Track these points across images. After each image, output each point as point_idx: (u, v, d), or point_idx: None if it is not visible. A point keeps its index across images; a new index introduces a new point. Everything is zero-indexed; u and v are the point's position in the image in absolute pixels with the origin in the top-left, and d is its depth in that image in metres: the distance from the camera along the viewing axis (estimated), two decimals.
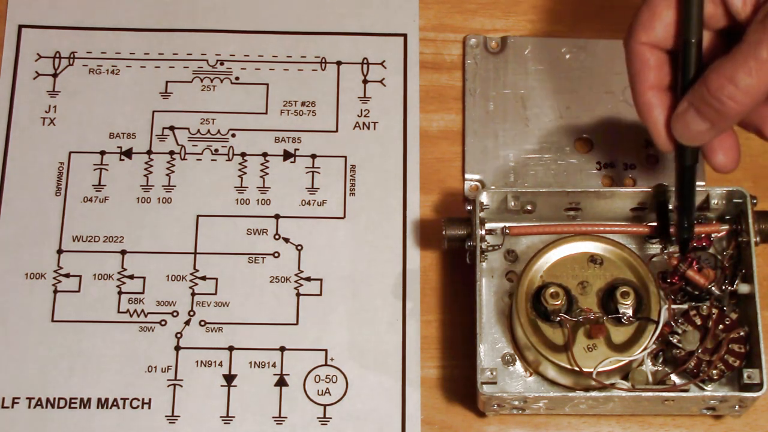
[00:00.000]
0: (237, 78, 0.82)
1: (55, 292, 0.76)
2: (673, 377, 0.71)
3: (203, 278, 0.77)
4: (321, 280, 0.77)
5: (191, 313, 0.76)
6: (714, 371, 0.70)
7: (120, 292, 0.76)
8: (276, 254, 0.78)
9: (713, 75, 0.63)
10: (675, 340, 0.71)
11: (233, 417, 0.74)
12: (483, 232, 0.73)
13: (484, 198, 0.73)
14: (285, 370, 0.75)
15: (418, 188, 0.79)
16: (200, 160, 0.80)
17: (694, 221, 0.70)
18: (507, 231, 0.74)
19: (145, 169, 0.79)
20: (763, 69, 0.61)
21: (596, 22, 0.83)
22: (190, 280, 0.77)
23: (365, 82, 0.82)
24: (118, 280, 0.77)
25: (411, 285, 0.77)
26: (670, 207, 0.73)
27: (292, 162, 0.80)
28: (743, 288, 0.71)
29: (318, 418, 0.74)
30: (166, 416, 0.74)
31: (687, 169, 0.68)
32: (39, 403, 0.74)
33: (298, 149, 0.80)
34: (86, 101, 0.81)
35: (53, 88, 0.81)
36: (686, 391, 0.71)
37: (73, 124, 0.80)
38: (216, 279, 0.77)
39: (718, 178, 0.79)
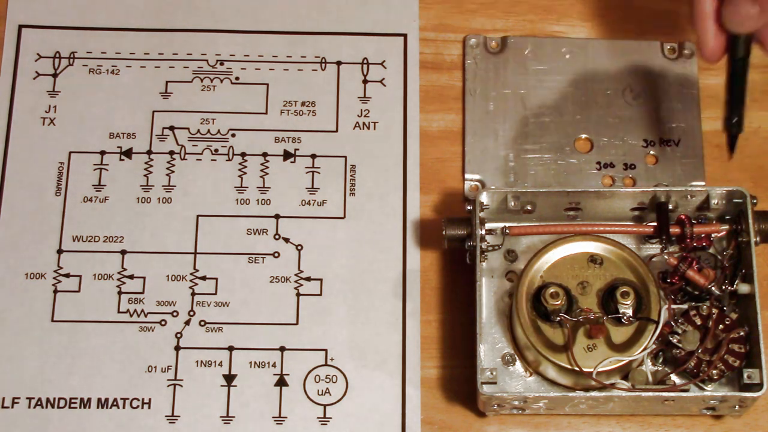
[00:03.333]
0: (237, 78, 0.82)
1: (55, 292, 0.76)
2: (673, 377, 0.71)
3: (203, 278, 0.77)
4: (321, 280, 0.77)
5: (191, 313, 0.76)
6: (714, 371, 0.70)
7: (120, 292, 0.76)
8: (276, 254, 0.78)
9: None
10: (675, 340, 0.71)
11: (233, 417, 0.74)
12: (483, 232, 0.73)
13: (484, 198, 0.73)
14: (285, 370, 0.75)
15: (418, 188, 0.79)
16: (200, 160, 0.80)
17: (742, 116, 0.70)
18: (507, 231, 0.74)
19: (145, 169, 0.79)
20: None
21: (596, 22, 0.83)
22: (190, 280, 0.77)
23: (365, 82, 0.82)
24: (118, 280, 0.77)
25: (411, 285, 0.77)
26: (670, 207, 0.73)
27: (292, 162, 0.80)
28: (743, 288, 0.71)
29: (318, 418, 0.74)
30: (166, 416, 0.74)
31: (738, 62, 0.68)
32: (39, 403, 0.74)
33: (298, 149, 0.80)
34: (86, 101, 0.81)
35: (53, 88, 0.81)
36: (686, 391, 0.71)
37: (73, 124, 0.80)
38: (216, 279, 0.77)
39: (718, 178, 0.79)
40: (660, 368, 0.72)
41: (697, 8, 0.67)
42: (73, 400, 0.74)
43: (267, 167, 0.80)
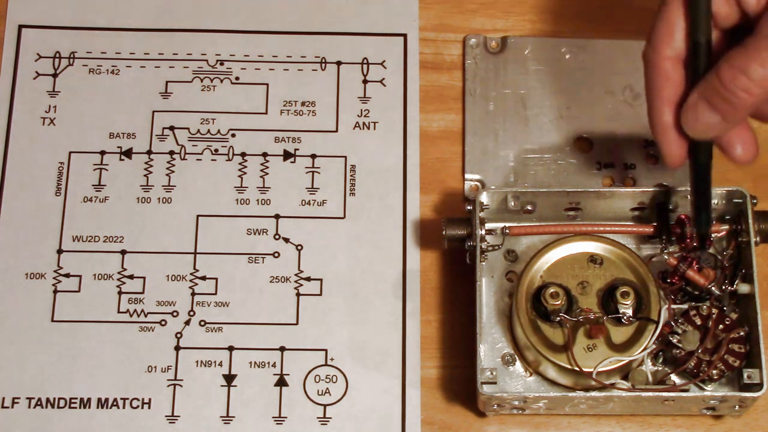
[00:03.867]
0: (237, 78, 0.82)
1: (55, 292, 0.76)
2: (673, 377, 0.71)
3: (203, 278, 0.77)
4: (321, 280, 0.77)
5: (191, 313, 0.76)
6: (714, 371, 0.70)
7: (120, 292, 0.76)
8: (276, 254, 0.78)
9: (725, 66, 0.62)
10: (675, 340, 0.71)
11: (233, 417, 0.74)
12: (483, 232, 0.73)
13: (484, 198, 0.73)
14: (285, 370, 0.75)
15: (418, 188, 0.79)
16: (200, 160, 0.80)
17: (711, 217, 0.70)
18: (507, 231, 0.74)
19: (145, 169, 0.79)
20: None
21: (596, 22, 0.83)
22: (190, 280, 0.77)
23: (365, 82, 0.82)
24: (118, 280, 0.77)
25: (411, 285, 0.77)
26: (670, 207, 0.73)
27: (292, 162, 0.80)
28: (743, 288, 0.71)
29: (318, 418, 0.74)
30: (166, 416, 0.74)
31: (701, 167, 0.68)
32: (39, 403, 0.74)
33: (298, 149, 0.80)
34: (86, 101, 0.81)
35: (53, 88, 0.81)
36: (686, 391, 0.71)
37: (73, 124, 0.80)
38: (216, 279, 0.77)
39: (718, 178, 0.79)
40: (660, 368, 0.72)
41: (656, 119, 0.66)
42: (73, 400, 0.74)
43: (267, 167, 0.80)
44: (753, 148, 0.66)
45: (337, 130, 0.81)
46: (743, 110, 0.63)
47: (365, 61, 0.82)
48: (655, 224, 0.74)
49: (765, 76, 0.61)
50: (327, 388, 0.75)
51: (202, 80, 0.82)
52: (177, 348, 0.75)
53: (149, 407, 0.74)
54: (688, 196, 0.71)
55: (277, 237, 0.78)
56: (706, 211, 0.69)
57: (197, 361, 0.75)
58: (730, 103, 0.62)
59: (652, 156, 0.80)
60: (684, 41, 0.65)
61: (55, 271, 0.77)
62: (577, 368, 0.70)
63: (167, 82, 0.82)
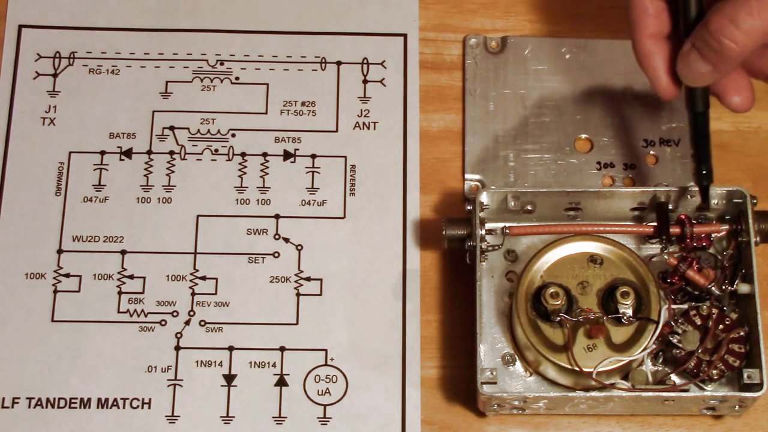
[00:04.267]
0: (237, 78, 0.82)
1: (55, 292, 0.76)
2: (673, 377, 0.71)
3: (203, 278, 0.77)
4: (321, 280, 0.77)
5: (191, 313, 0.76)
6: (714, 371, 0.70)
7: (120, 292, 0.76)
8: (276, 254, 0.78)
9: (714, 16, 0.63)
10: (675, 340, 0.71)
11: (233, 417, 0.74)
12: (483, 232, 0.73)
13: (484, 198, 0.73)
14: (285, 370, 0.75)
15: (418, 188, 0.79)
16: (200, 160, 0.80)
17: (711, 167, 0.70)
18: (507, 231, 0.74)
19: (145, 169, 0.79)
20: (764, 9, 0.61)
21: (596, 22, 0.83)
22: (190, 280, 0.77)
23: (365, 82, 0.82)
24: (118, 280, 0.77)
25: (411, 285, 0.77)
26: (670, 207, 0.73)
27: (292, 162, 0.80)
28: (743, 288, 0.71)
29: (318, 418, 0.74)
30: (166, 416, 0.74)
31: (698, 116, 0.68)
32: (39, 403, 0.74)
33: (298, 149, 0.80)
34: (86, 101, 0.81)
35: (53, 88, 0.81)
36: (686, 391, 0.71)
37: (73, 124, 0.80)
38: (216, 279, 0.77)
39: (718, 178, 0.79)
40: (660, 368, 0.72)
41: (638, 50, 0.68)
42: (73, 400, 0.74)
43: (267, 167, 0.80)
44: (749, 95, 0.67)
45: (337, 130, 0.81)
46: (732, 59, 0.64)
47: (365, 61, 0.82)
48: (655, 224, 0.74)
49: (753, 26, 0.62)
50: (327, 388, 0.75)
51: (202, 80, 0.82)
52: (177, 348, 0.75)
53: (149, 407, 0.74)
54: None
55: (277, 237, 0.78)
56: (705, 163, 0.69)
57: (197, 361, 0.75)
58: (718, 53, 0.63)
59: (652, 156, 0.80)
60: None
61: (55, 271, 0.77)
62: (577, 368, 0.70)
63: (167, 82, 0.82)
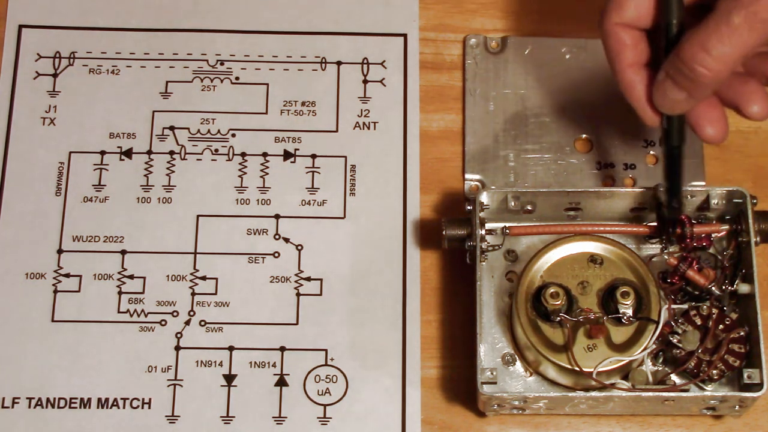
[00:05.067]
0: (237, 78, 0.82)
1: (55, 292, 0.76)
2: (673, 377, 0.71)
3: (203, 278, 0.77)
4: (321, 280, 0.77)
5: (191, 313, 0.76)
6: (714, 371, 0.70)
7: (120, 292, 0.76)
8: (276, 254, 0.78)
9: (686, 44, 0.63)
10: (675, 340, 0.71)
11: (233, 417, 0.74)
12: (483, 232, 0.73)
13: (484, 198, 0.73)
14: (285, 370, 0.75)
15: (418, 188, 0.79)
16: (200, 160, 0.80)
17: (682, 200, 0.70)
18: (507, 231, 0.74)
19: (145, 169, 0.79)
20: (734, 35, 0.61)
21: (596, 22, 0.83)
22: (190, 280, 0.77)
23: (365, 82, 0.82)
24: (118, 280, 0.77)
25: (411, 285, 0.77)
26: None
27: (292, 162, 0.80)
28: (743, 288, 0.71)
29: (318, 418, 0.74)
30: (166, 416, 0.74)
31: (673, 149, 0.68)
32: (39, 403, 0.74)
33: (298, 149, 0.80)
34: (86, 101, 0.81)
35: (53, 88, 0.81)
36: (686, 391, 0.71)
37: (73, 124, 0.80)
38: (216, 279, 0.77)
39: (718, 178, 0.79)
40: (660, 368, 0.72)
41: (620, 80, 0.68)
42: (73, 400, 0.74)
43: (267, 167, 0.80)
44: (723, 126, 0.67)
45: (337, 130, 0.81)
46: (705, 86, 0.64)
47: (365, 61, 0.82)
48: (655, 224, 0.74)
49: (724, 52, 0.62)
50: (327, 388, 0.75)
51: (202, 80, 0.82)
52: (177, 348, 0.75)
53: (149, 407, 0.74)
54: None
55: (277, 237, 0.78)
56: (676, 196, 0.70)
57: (197, 361, 0.75)
58: (691, 80, 0.64)
59: (652, 156, 0.80)
60: (636, 12, 0.66)
61: (55, 271, 0.77)
62: (577, 368, 0.70)
63: (167, 82, 0.82)
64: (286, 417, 0.74)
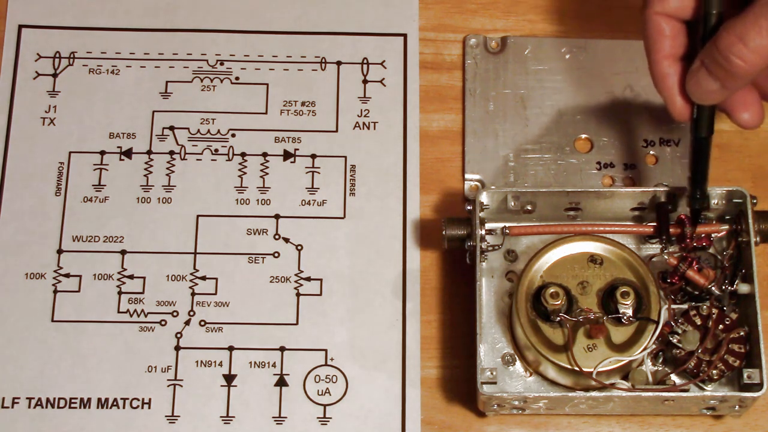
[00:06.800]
0: (237, 78, 0.82)
1: (55, 292, 0.76)
2: (673, 377, 0.71)
3: (203, 278, 0.77)
4: (321, 280, 0.77)
5: (191, 313, 0.76)
6: (714, 371, 0.70)
7: (120, 292, 0.76)
8: (276, 254, 0.78)
9: (724, 34, 0.63)
10: (675, 340, 0.71)
11: (233, 417, 0.74)
12: (483, 232, 0.73)
13: (484, 198, 0.73)
14: (285, 370, 0.75)
15: (418, 188, 0.79)
16: (200, 160, 0.80)
17: (707, 192, 0.70)
18: (507, 231, 0.74)
19: (145, 169, 0.79)
20: None
21: (596, 22, 0.83)
22: (190, 280, 0.77)
23: (365, 82, 0.82)
24: (118, 280, 0.77)
25: (411, 285, 0.77)
26: (670, 207, 0.73)
27: (292, 162, 0.80)
28: (743, 288, 0.71)
29: (318, 418, 0.74)
30: (166, 416, 0.74)
31: (701, 141, 0.68)
32: (39, 403, 0.74)
33: (298, 149, 0.80)
34: (86, 101, 0.81)
35: (53, 88, 0.81)
36: (686, 391, 0.71)
37: (73, 124, 0.80)
38: (216, 279, 0.77)
39: (717, 178, 0.79)
40: (660, 368, 0.72)
41: (654, 71, 0.68)
42: (73, 400, 0.74)
43: (267, 167, 0.80)
44: (759, 111, 0.68)
45: (337, 130, 0.81)
46: (741, 78, 0.64)
47: (365, 61, 0.82)
48: (655, 224, 0.74)
49: (761, 45, 0.62)
50: (327, 388, 0.75)
51: (202, 80, 0.82)
52: (177, 348, 0.75)
53: (149, 407, 0.74)
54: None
55: (277, 237, 0.78)
56: (701, 187, 0.70)
57: (197, 361, 0.75)
58: (726, 71, 0.64)
59: (652, 156, 0.80)
60: (679, 2, 0.66)
61: (55, 271, 0.77)
62: (577, 368, 0.70)
63: (167, 82, 0.82)
64: (286, 417, 0.74)
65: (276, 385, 0.75)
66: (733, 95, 0.67)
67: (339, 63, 0.82)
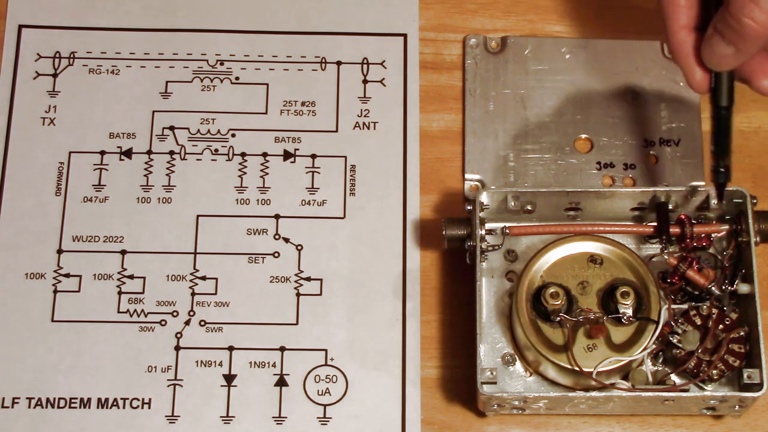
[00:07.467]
0: (237, 78, 0.82)
1: (55, 292, 0.76)
2: (673, 377, 0.71)
3: (203, 278, 0.77)
4: (321, 280, 0.77)
5: (191, 313, 0.76)
6: (714, 371, 0.70)
7: (120, 292, 0.76)
8: (276, 254, 0.78)
9: None
10: (675, 340, 0.71)
11: (233, 417, 0.74)
12: (483, 232, 0.73)
13: (484, 198, 0.73)
14: (285, 370, 0.75)
15: (418, 188, 0.79)
16: (200, 160, 0.80)
17: (729, 165, 0.70)
18: (507, 231, 0.74)
19: (145, 169, 0.79)
20: None
21: (596, 22, 0.83)
22: (190, 280, 0.77)
23: (365, 82, 0.82)
24: (118, 280, 0.77)
25: (411, 285, 0.77)
26: (670, 207, 0.73)
27: (292, 162, 0.80)
28: (743, 288, 0.71)
29: (318, 418, 0.74)
30: (166, 416, 0.74)
31: (722, 110, 0.68)
32: (39, 403, 0.74)
33: (298, 149, 0.80)
34: (86, 101, 0.81)
35: (53, 88, 0.81)
36: (686, 391, 0.71)
37: (73, 124, 0.80)
38: (216, 279, 0.77)
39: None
40: (660, 368, 0.72)
41: (671, 41, 0.68)
42: (73, 400, 0.74)
43: (267, 167, 0.80)
44: None
45: (337, 130, 0.81)
46: (754, 39, 0.64)
47: (365, 61, 0.82)
48: (655, 224, 0.74)
49: None
50: (327, 388, 0.75)
51: (202, 80, 0.82)
52: (177, 348, 0.75)
53: (149, 407, 0.74)
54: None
55: (277, 237, 0.78)
56: (723, 160, 0.69)
57: (197, 361, 0.75)
58: (739, 33, 0.64)
59: (653, 156, 0.80)
60: None
61: (55, 271, 0.77)
62: (577, 368, 0.70)
63: (167, 82, 0.82)
64: (286, 417, 0.74)
65: (276, 385, 0.75)
66: (751, 62, 0.66)
67: (339, 63, 0.82)
